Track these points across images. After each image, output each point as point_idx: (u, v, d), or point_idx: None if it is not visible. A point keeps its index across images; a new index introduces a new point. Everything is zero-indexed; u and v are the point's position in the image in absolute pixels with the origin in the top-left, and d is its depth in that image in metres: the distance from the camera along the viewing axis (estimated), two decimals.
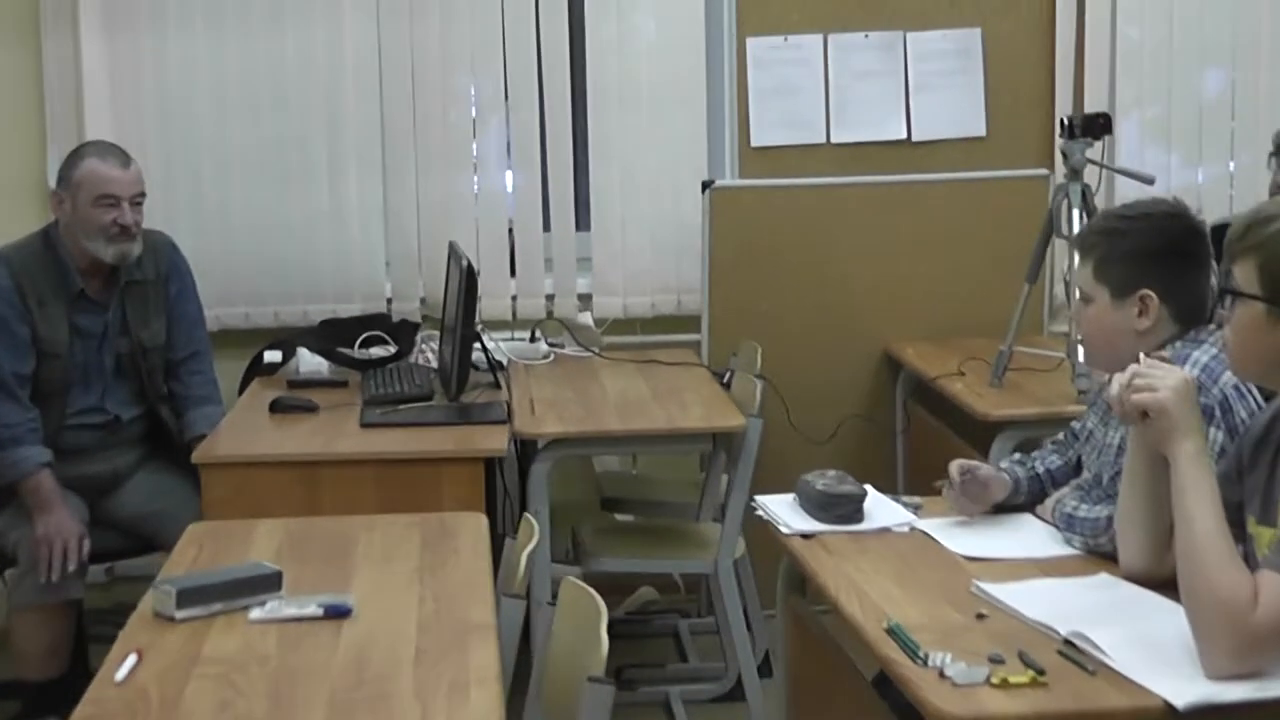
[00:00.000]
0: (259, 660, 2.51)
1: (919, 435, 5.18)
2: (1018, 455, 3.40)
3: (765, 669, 4.55)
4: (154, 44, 5.20)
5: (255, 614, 2.70)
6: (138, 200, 4.30)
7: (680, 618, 5.22)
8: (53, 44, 5.15)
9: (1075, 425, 3.25)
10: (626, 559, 4.40)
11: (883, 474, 4.81)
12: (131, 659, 2.49)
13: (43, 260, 4.28)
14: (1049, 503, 3.12)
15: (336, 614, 2.69)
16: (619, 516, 5.00)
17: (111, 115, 5.17)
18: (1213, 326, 2.92)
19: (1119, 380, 2.55)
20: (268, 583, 2.78)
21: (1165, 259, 2.92)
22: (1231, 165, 5.54)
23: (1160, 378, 2.46)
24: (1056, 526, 3.02)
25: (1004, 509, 3.19)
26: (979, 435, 4.48)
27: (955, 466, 3.16)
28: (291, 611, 2.69)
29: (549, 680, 2.75)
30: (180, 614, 2.68)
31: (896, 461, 5.28)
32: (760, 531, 4.32)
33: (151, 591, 2.76)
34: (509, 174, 5.37)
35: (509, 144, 5.34)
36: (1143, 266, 2.92)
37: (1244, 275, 2.45)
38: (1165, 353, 2.82)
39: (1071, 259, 4.35)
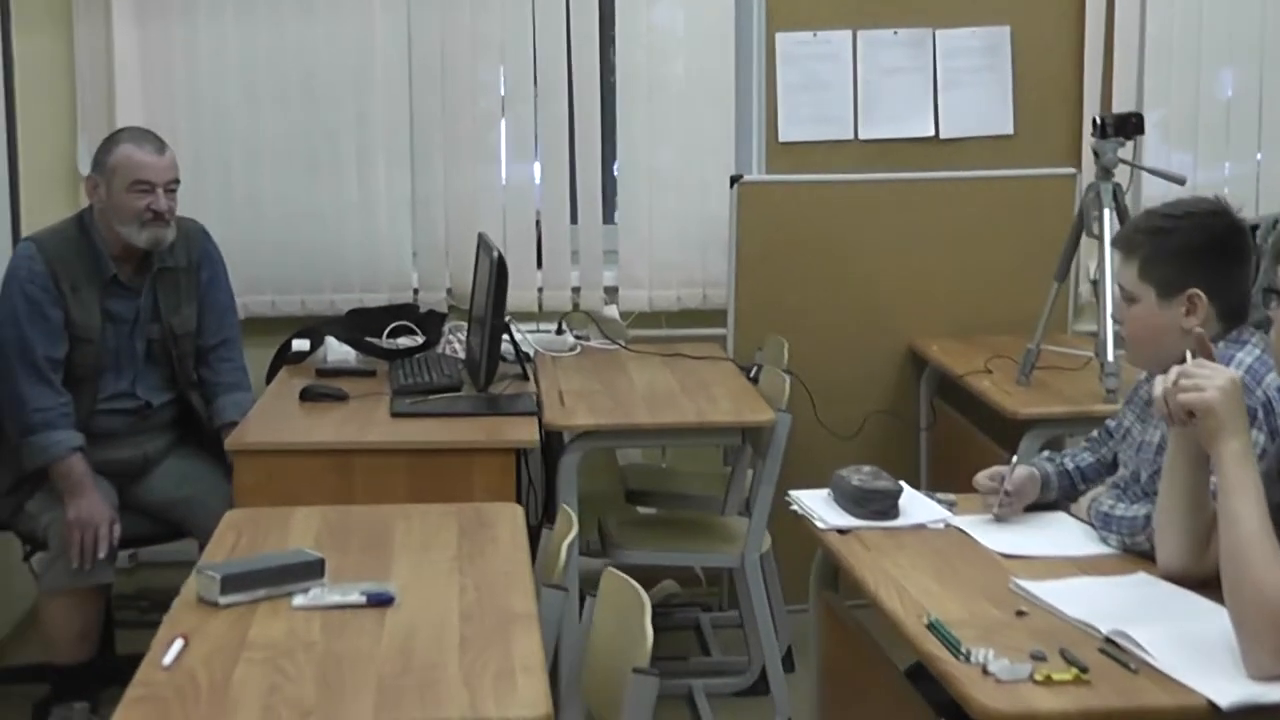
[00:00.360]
0: (305, 646, 2.52)
1: (944, 432, 5.20)
2: (1046, 452, 3.41)
3: (788, 663, 4.58)
4: (185, 32, 5.23)
5: (299, 600, 2.71)
6: (172, 187, 4.31)
7: (702, 611, 5.23)
8: (84, 31, 5.18)
9: (1111, 423, 3.25)
10: (653, 551, 4.40)
11: (906, 470, 4.76)
12: (179, 643, 2.50)
13: (77, 245, 4.30)
14: (1084, 501, 3.13)
15: (379, 602, 2.70)
16: (642, 509, 5.00)
17: (142, 103, 5.20)
18: (1252, 327, 2.94)
19: (1163, 381, 2.55)
20: (310, 570, 2.79)
21: (1211, 257, 2.93)
22: (1259, 162, 5.54)
23: (1208, 377, 2.46)
24: (1092, 525, 3.02)
25: (1036, 506, 3.20)
26: (1005, 433, 4.49)
27: (986, 476, 3.17)
28: (335, 599, 2.71)
29: (588, 670, 2.77)
30: (224, 599, 2.69)
31: (920, 458, 5.29)
32: (784, 526, 4.36)
33: (195, 576, 2.77)
34: (536, 166, 5.38)
35: (537, 136, 5.36)
36: (1189, 265, 2.92)
37: None
38: None
39: (1101, 258, 4.38)
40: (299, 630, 2.59)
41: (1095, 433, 3.31)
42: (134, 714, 2.29)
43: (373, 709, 2.29)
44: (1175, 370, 2.53)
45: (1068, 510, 3.19)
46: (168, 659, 2.46)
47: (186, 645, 2.51)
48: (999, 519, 3.12)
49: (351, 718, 2.27)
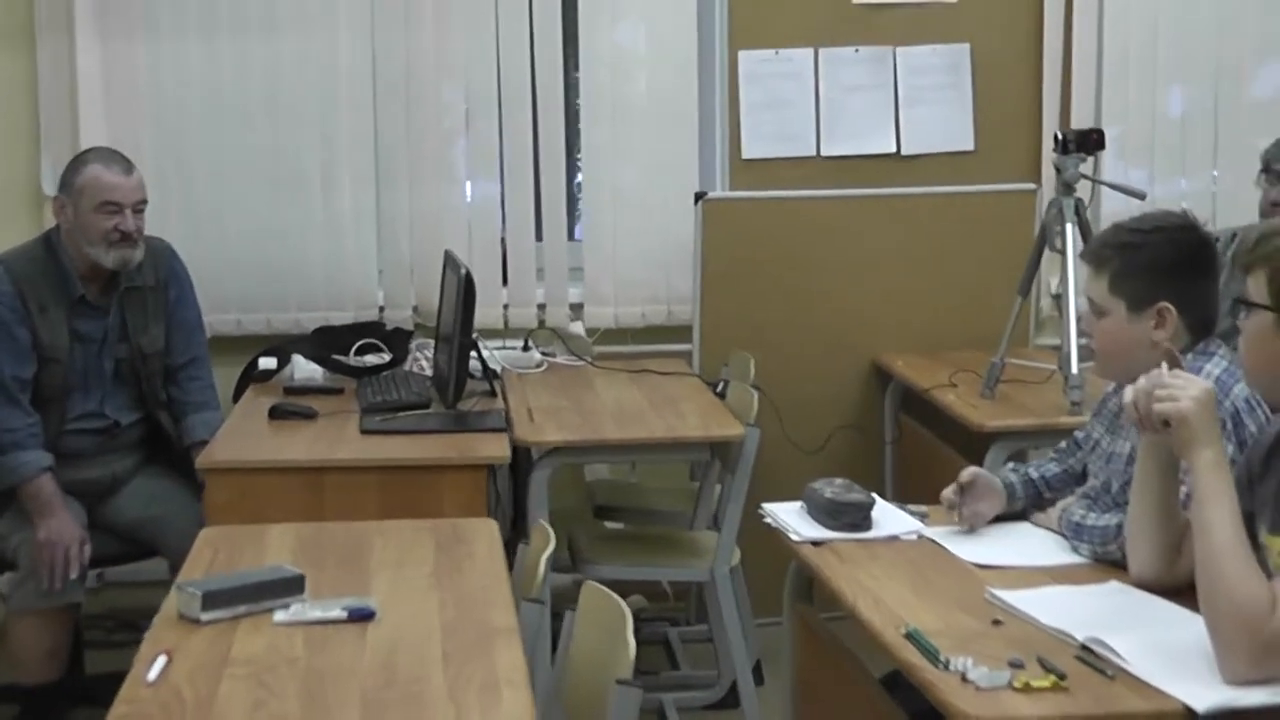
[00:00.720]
0: (288, 661, 2.53)
1: (909, 446, 5.24)
2: (1010, 464, 3.45)
3: (758, 676, 4.60)
4: (148, 50, 5.22)
5: (280, 616, 2.72)
6: (140, 207, 4.31)
7: (670, 626, 5.24)
8: (47, 50, 5.17)
9: (1079, 434, 3.29)
10: (623, 566, 4.41)
11: (872, 483, 4.70)
12: (162, 660, 2.51)
13: (44, 265, 4.29)
14: (1053, 511, 3.16)
15: (360, 617, 2.71)
16: (610, 525, 5.02)
17: (105, 121, 5.19)
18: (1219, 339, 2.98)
19: (1133, 389, 2.59)
20: (291, 586, 2.80)
21: (1180, 271, 2.97)
22: (1215, 179, 5.61)
23: (1182, 388, 2.50)
24: (1063, 535, 3.06)
25: (1004, 517, 3.23)
26: (970, 446, 4.53)
27: (950, 491, 3.21)
28: (316, 614, 2.72)
29: (569, 683, 2.78)
30: (205, 616, 2.70)
31: (885, 471, 5.33)
32: (752, 540, 4.41)
33: (175, 593, 2.77)
34: (501, 184, 5.40)
35: (501, 154, 5.37)
36: (1159, 279, 2.96)
37: (1255, 286, 2.51)
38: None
39: (1064, 273, 4.43)
40: (281, 646, 2.60)
41: (1063, 444, 3.34)
42: None
43: None
44: (1148, 379, 2.56)
45: (1033, 521, 3.22)
46: (152, 675, 2.46)
47: (170, 662, 2.51)
48: (966, 527, 3.15)
49: None
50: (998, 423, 4.32)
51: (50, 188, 5.02)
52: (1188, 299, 2.96)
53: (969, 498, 3.19)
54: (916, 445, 5.16)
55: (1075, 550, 3.00)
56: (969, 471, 3.23)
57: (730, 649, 4.41)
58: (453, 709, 2.34)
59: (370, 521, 3.44)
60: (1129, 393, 2.60)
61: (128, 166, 4.33)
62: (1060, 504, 3.16)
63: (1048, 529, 3.14)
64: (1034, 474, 3.28)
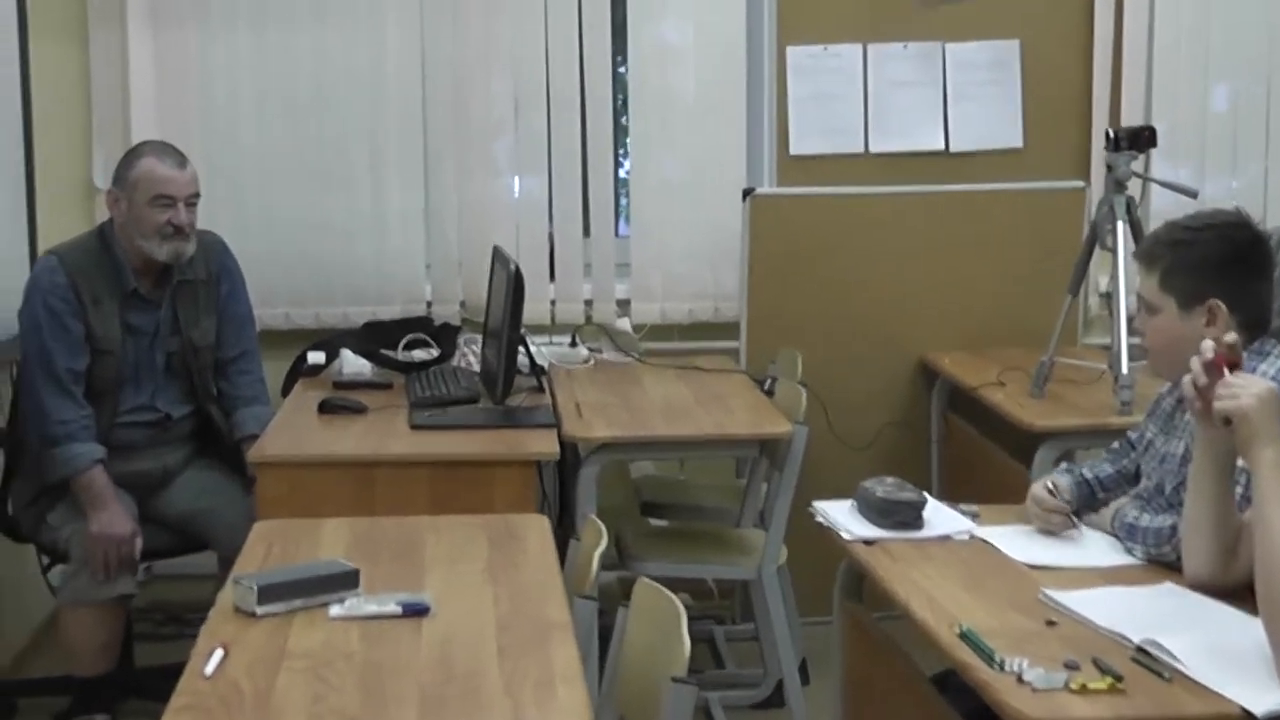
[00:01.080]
0: (344, 656, 2.54)
1: (956, 444, 5.23)
2: (1063, 464, 3.43)
3: (804, 675, 4.60)
4: (199, 46, 5.27)
5: (335, 610, 2.73)
6: (193, 201, 4.34)
7: (715, 624, 5.24)
8: (99, 45, 5.23)
9: (1133, 435, 3.28)
10: (671, 563, 4.40)
11: (919, 482, 4.69)
12: (219, 653, 2.52)
13: (97, 258, 4.32)
14: (1106, 512, 3.15)
15: (415, 612, 2.72)
16: (655, 522, 5.03)
17: (156, 115, 5.24)
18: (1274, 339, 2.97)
19: (1188, 380, 2.59)
20: (346, 580, 2.81)
21: (1232, 268, 2.95)
22: (1266, 177, 5.58)
23: (1244, 385, 2.49)
24: (1116, 536, 3.05)
25: None
26: (1018, 445, 4.53)
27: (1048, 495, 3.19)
28: (371, 609, 2.73)
29: (622, 680, 2.79)
30: (261, 609, 2.71)
31: (932, 469, 5.32)
32: (798, 539, 4.41)
33: (231, 586, 2.79)
34: (549, 179, 5.41)
35: (549, 149, 5.39)
36: (1210, 276, 2.94)
37: None
38: None
39: (1114, 271, 4.41)
40: (337, 640, 2.62)
41: (1116, 444, 3.33)
42: None
43: (417, 718, 2.31)
44: (1198, 364, 2.56)
45: (1086, 522, 3.20)
46: (209, 668, 2.47)
47: (227, 655, 2.53)
48: (1056, 534, 3.14)
49: None
50: (1047, 422, 4.31)
51: (102, 181, 5.07)
52: (1239, 296, 2.94)
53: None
54: (964, 444, 5.15)
55: (1129, 551, 2.99)
56: (1065, 482, 3.22)
57: (777, 648, 4.41)
58: (510, 704, 2.35)
59: (423, 517, 3.45)
60: (1187, 381, 2.60)
61: (181, 160, 4.35)
62: (1113, 505, 3.14)
63: (1100, 530, 3.13)
64: (1087, 474, 3.27)
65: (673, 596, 2.64)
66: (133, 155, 4.37)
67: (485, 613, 2.76)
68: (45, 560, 4.45)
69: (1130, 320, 4.33)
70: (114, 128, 5.19)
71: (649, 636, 2.69)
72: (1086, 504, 3.24)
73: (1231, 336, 2.64)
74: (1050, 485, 3.18)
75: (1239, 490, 2.71)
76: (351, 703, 2.36)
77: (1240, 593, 2.59)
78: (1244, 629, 2.49)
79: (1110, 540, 3.07)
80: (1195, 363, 2.60)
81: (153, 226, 4.27)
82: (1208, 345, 2.62)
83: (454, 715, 2.33)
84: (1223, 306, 2.94)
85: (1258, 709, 2.25)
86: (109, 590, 4.18)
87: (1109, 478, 3.27)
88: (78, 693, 4.28)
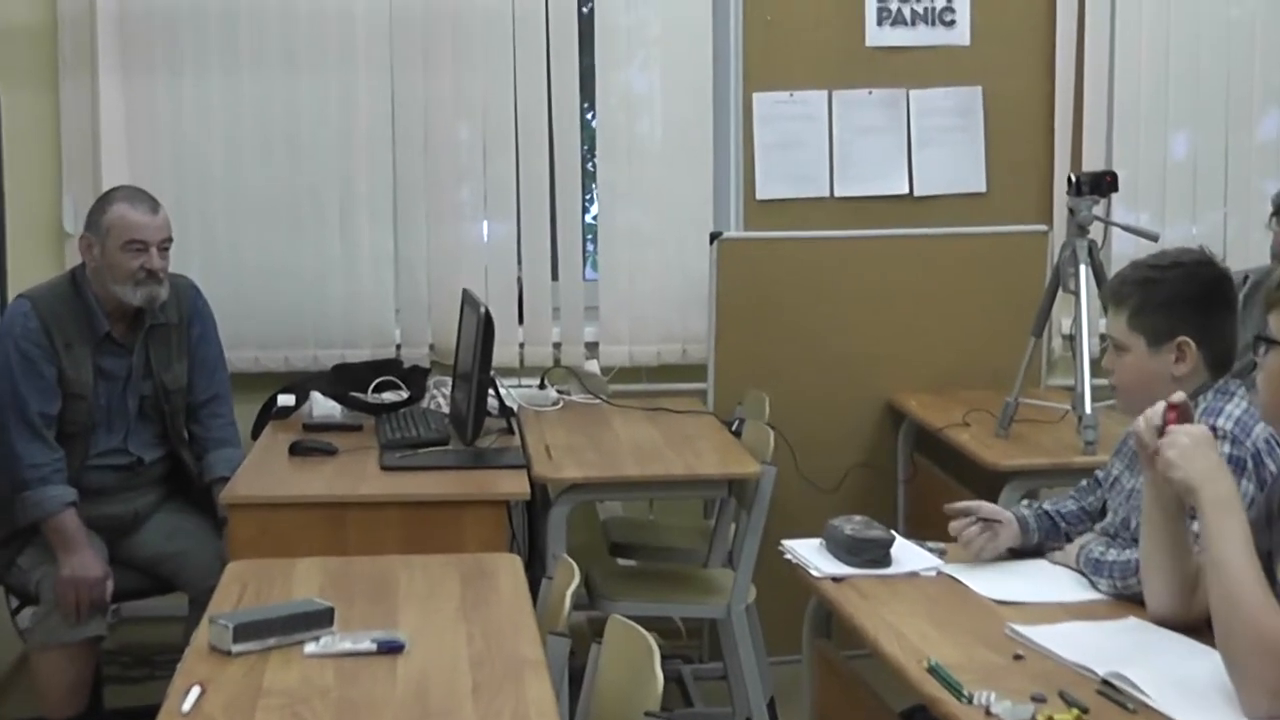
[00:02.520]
0: (320, 693, 2.57)
1: (923, 484, 5.27)
2: (1025, 501, 3.47)
3: (771, 713, 4.62)
4: (170, 90, 5.28)
5: (310, 648, 2.76)
6: (165, 245, 4.36)
7: (684, 663, 5.27)
8: (69, 89, 5.23)
9: (1100, 473, 3.32)
10: (641, 602, 4.42)
11: (886, 522, 4.75)
12: (196, 690, 2.54)
13: (70, 303, 4.34)
14: (1071, 549, 3.19)
15: (390, 649, 2.75)
16: (623, 562, 5.05)
17: (127, 160, 5.25)
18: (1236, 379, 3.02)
19: (1143, 419, 2.64)
20: (321, 618, 2.84)
21: (1200, 306, 3.00)
22: (1226, 221, 5.65)
23: (1169, 444, 2.56)
24: (1081, 572, 3.09)
25: (1021, 553, 3.27)
26: (984, 484, 4.55)
27: (964, 522, 3.25)
28: (346, 646, 2.75)
29: (595, 716, 2.82)
30: (237, 648, 2.73)
31: (898, 509, 5.36)
32: (766, 578, 4.44)
33: (207, 625, 2.81)
34: (518, 223, 5.44)
35: (518, 194, 5.42)
36: (1179, 314, 3.00)
37: (1277, 323, 2.55)
38: (1198, 407, 2.90)
39: (1077, 313, 4.47)
40: (313, 677, 2.64)
41: (1084, 482, 3.38)
42: None
43: None
44: (1151, 411, 2.62)
45: (1050, 559, 3.25)
46: (187, 706, 2.49)
47: (204, 693, 2.55)
48: (980, 557, 3.19)
49: None
50: (1012, 462, 4.36)
51: (72, 225, 5.09)
52: (1207, 333, 3.00)
53: (990, 531, 3.22)
54: (930, 484, 5.20)
55: (1094, 586, 3.03)
56: (981, 506, 3.27)
57: (745, 685, 4.43)
58: None
59: (395, 556, 3.48)
60: (1140, 421, 2.65)
61: (153, 205, 4.37)
62: (1078, 540, 3.19)
63: (1065, 565, 3.18)
64: (1049, 508, 3.32)
65: (645, 633, 2.67)
66: (105, 201, 4.40)
67: (459, 650, 2.79)
68: (14, 603, 4.45)
69: (1094, 362, 4.41)
70: (84, 172, 5.20)
71: (622, 673, 2.72)
72: (1049, 535, 3.29)
73: (1179, 396, 2.68)
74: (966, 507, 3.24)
75: (1195, 526, 2.75)
76: None
77: (1203, 626, 2.63)
78: (1207, 661, 2.52)
79: (1074, 576, 3.11)
80: (1142, 419, 2.64)
81: (126, 272, 4.29)
82: (1156, 411, 2.66)
83: None
84: (1191, 344, 2.99)
85: None
86: (80, 632, 4.19)
87: (1071, 514, 3.32)
88: None
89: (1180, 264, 3.06)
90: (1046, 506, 3.32)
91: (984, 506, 3.27)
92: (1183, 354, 2.99)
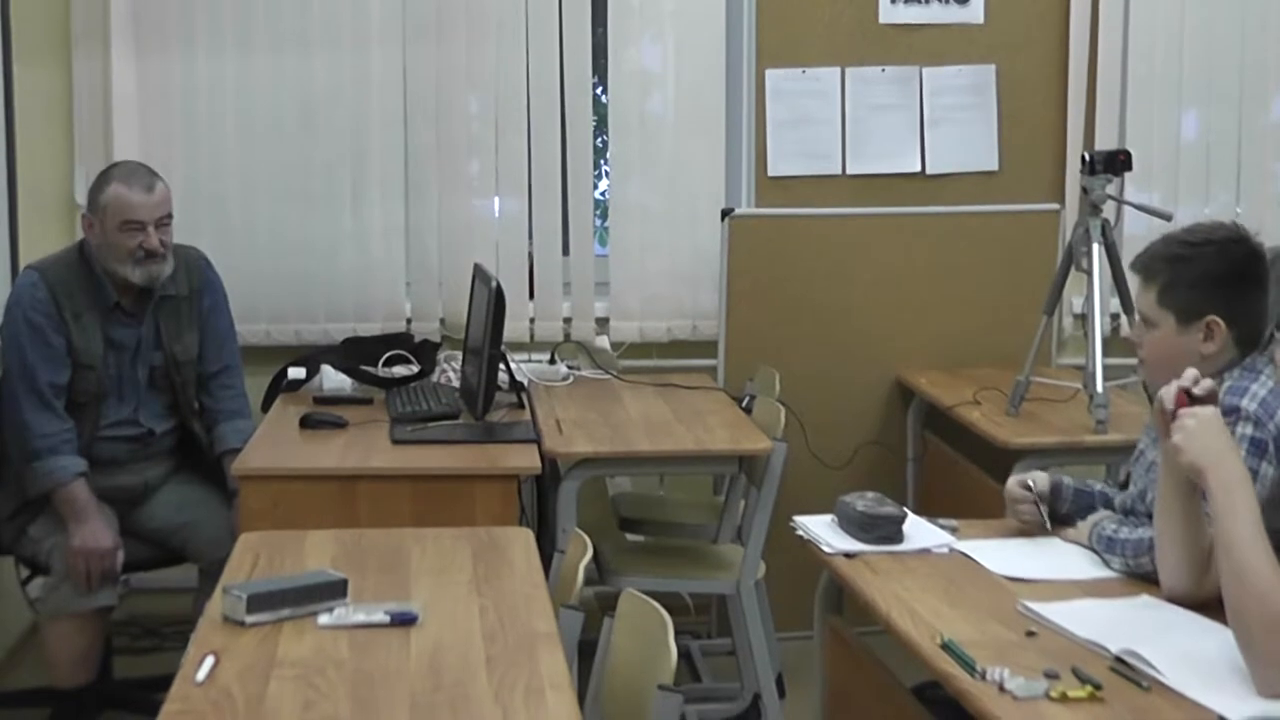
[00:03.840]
0: (335, 664, 2.57)
1: (932, 462, 5.28)
2: (1067, 479, 3.42)
3: (779, 689, 4.63)
4: (183, 65, 5.27)
5: (324, 620, 2.76)
6: (164, 222, 4.33)
7: (692, 639, 5.28)
8: (83, 64, 5.22)
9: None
10: (650, 578, 4.43)
11: (896, 499, 4.86)
12: (210, 660, 2.55)
13: (79, 273, 4.34)
14: (1083, 527, 3.19)
15: (403, 621, 2.75)
16: (632, 537, 5.06)
17: (139, 135, 5.24)
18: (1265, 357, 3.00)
19: (1164, 393, 2.64)
20: (334, 590, 2.84)
21: (1230, 284, 2.97)
22: (1238, 201, 5.64)
23: (1180, 428, 2.56)
24: (1093, 549, 3.08)
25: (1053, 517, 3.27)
26: (994, 463, 4.57)
27: (1015, 485, 3.25)
28: (360, 618, 2.76)
29: (607, 690, 2.82)
30: (250, 619, 2.73)
31: (908, 487, 5.37)
32: (775, 555, 4.45)
33: (221, 596, 2.81)
34: (529, 198, 5.44)
35: (530, 169, 5.42)
36: (1209, 293, 2.97)
37: None
38: (1223, 384, 2.89)
39: (1090, 292, 4.46)
40: (327, 648, 2.64)
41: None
42: None
43: None
44: (1167, 390, 2.62)
45: (1063, 536, 3.24)
46: (201, 675, 2.50)
47: (218, 663, 2.55)
48: (1028, 532, 3.18)
49: None
50: (1023, 440, 4.36)
51: (83, 198, 5.08)
52: (1237, 312, 2.97)
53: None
54: (940, 462, 5.20)
55: (1107, 564, 3.03)
56: (1045, 478, 3.26)
57: (754, 661, 4.44)
58: (499, 711, 2.38)
59: (407, 529, 3.48)
60: (1162, 394, 2.65)
61: (149, 182, 4.34)
62: (1091, 519, 3.18)
63: (1077, 543, 3.17)
64: (1097, 487, 3.31)
65: (659, 607, 2.67)
66: (102, 179, 4.38)
67: (472, 622, 2.79)
68: (24, 573, 4.46)
69: (1105, 341, 4.42)
70: (96, 146, 5.19)
71: (635, 646, 2.72)
72: (1082, 509, 3.27)
73: (1191, 376, 2.66)
74: (1027, 481, 3.23)
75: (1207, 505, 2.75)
76: (343, 709, 2.39)
77: (1215, 604, 2.63)
78: (1219, 639, 2.52)
79: (1084, 553, 3.11)
80: (1167, 391, 2.64)
81: (125, 251, 4.28)
82: (1190, 375, 2.65)
83: None
84: (1221, 323, 2.96)
85: (1234, 716, 2.30)
86: (90, 601, 4.20)
87: (1104, 495, 3.30)
88: (57, 704, 4.29)
89: (1212, 241, 3.02)
90: (1092, 484, 3.32)
91: (1037, 482, 3.24)
92: (1211, 333, 2.97)
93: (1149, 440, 3.19)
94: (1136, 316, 3.12)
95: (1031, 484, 3.24)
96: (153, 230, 4.30)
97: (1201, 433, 2.54)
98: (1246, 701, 2.35)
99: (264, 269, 5.31)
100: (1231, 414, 2.84)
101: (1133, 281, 3.18)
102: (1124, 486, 3.25)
